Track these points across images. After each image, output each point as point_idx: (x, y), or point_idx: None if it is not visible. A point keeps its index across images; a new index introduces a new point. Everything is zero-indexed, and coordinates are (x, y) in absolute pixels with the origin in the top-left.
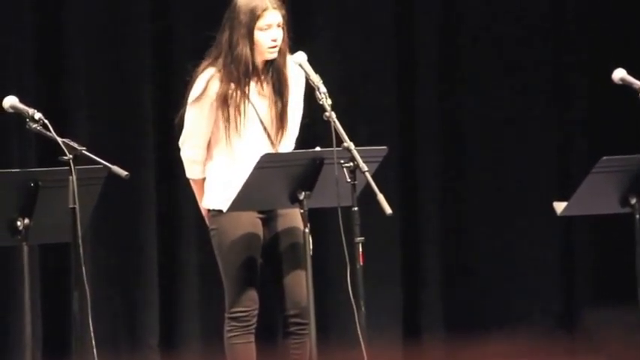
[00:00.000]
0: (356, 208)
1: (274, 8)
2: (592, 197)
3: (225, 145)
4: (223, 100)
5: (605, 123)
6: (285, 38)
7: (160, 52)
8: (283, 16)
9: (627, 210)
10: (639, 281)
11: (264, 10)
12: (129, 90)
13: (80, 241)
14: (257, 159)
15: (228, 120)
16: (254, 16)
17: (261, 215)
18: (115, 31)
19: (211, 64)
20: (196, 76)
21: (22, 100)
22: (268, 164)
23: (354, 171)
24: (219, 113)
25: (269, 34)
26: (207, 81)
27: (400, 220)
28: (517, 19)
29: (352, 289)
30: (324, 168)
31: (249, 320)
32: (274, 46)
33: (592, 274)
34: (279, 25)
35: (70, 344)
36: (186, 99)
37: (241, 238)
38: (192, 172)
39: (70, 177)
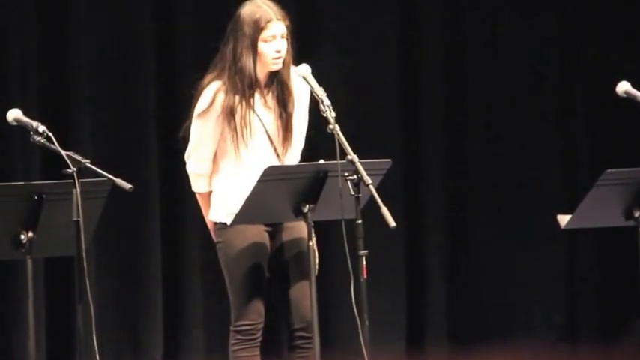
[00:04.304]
0: (360, 221)
1: (278, 19)
2: (596, 210)
3: (231, 158)
4: (229, 112)
5: (609, 135)
6: (290, 50)
7: (164, 64)
8: (287, 27)
9: (631, 223)
10: None
11: (269, 21)
12: (133, 103)
13: (84, 254)
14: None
15: (234, 131)
16: (258, 27)
17: (267, 228)
18: (119, 44)
19: (217, 77)
20: (201, 89)
21: (25, 113)
22: (272, 177)
23: (358, 184)
24: (226, 125)
25: (273, 45)
26: (214, 94)
27: (404, 233)
28: (521, 32)
29: (356, 303)
30: (328, 181)
31: (254, 334)
32: (278, 58)
33: (595, 286)
34: (283, 37)
35: (74, 358)
36: (192, 112)
37: (247, 251)
38: (197, 185)
39: (74, 190)
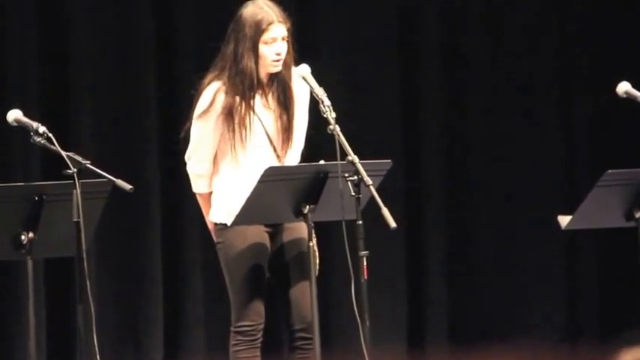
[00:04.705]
0: (360, 222)
1: (279, 22)
2: (596, 211)
3: (232, 159)
4: (228, 113)
5: (610, 136)
6: (291, 51)
7: (164, 64)
8: (288, 30)
9: (632, 224)
10: None
11: (270, 23)
12: (133, 103)
13: (84, 255)
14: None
15: (233, 133)
16: (259, 29)
17: (267, 229)
18: (119, 44)
19: (217, 77)
20: (201, 89)
21: (26, 114)
22: (272, 178)
23: (359, 184)
24: (225, 126)
25: (274, 47)
26: (214, 94)
27: (404, 234)
28: (521, 33)
29: (356, 303)
30: (329, 181)
31: (255, 334)
32: (278, 60)
33: (596, 287)
34: (284, 39)
35: (75, 358)
36: (192, 112)
37: (248, 252)
38: (198, 186)
39: (75, 191)
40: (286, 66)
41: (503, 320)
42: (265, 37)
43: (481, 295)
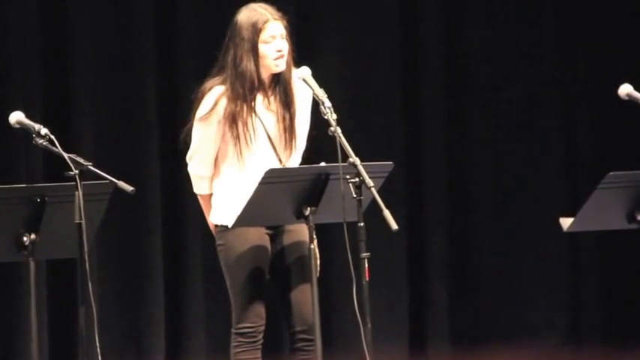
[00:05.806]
0: (362, 224)
1: (275, 19)
2: (598, 213)
3: (233, 161)
4: (232, 119)
5: (611, 137)
6: (290, 50)
7: (165, 66)
8: (285, 27)
9: (634, 226)
10: None
11: (266, 22)
12: (134, 105)
13: (86, 256)
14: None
15: (237, 137)
16: (256, 29)
17: (268, 231)
18: (120, 46)
19: (220, 83)
20: (203, 93)
21: (28, 116)
22: (273, 180)
23: (360, 186)
24: (228, 130)
25: (274, 45)
26: (217, 98)
27: (406, 235)
28: (521, 37)
29: (358, 305)
30: (330, 183)
31: (255, 336)
32: (280, 57)
33: (599, 289)
34: (282, 37)
35: None
36: (194, 115)
37: (248, 254)
38: (199, 187)
39: (77, 192)
40: (287, 65)
41: (505, 322)
42: (263, 36)
43: (483, 296)
